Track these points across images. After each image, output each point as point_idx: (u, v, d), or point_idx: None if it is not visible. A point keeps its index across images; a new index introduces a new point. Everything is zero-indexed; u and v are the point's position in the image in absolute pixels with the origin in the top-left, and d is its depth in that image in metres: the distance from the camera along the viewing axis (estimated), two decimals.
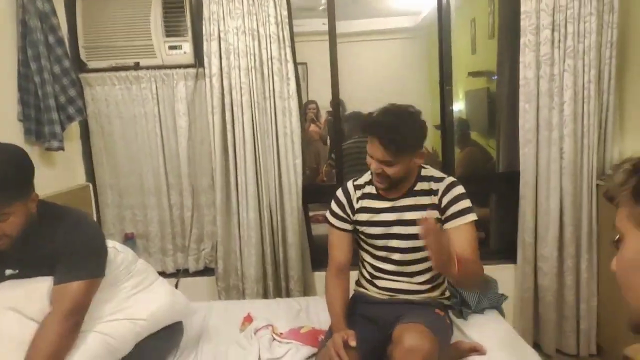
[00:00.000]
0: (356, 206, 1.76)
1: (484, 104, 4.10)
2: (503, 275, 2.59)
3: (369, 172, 1.76)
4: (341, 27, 2.77)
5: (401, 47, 5.08)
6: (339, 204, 1.79)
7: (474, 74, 4.31)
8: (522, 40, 2.32)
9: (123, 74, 2.51)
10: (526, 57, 2.33)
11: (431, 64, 4.34)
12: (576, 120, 2.35)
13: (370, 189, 1.76)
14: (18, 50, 2.08)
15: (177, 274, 2.72)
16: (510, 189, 2.57)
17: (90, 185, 2.63)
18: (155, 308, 1.71)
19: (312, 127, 4.51)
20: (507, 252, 2.67)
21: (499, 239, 2.89)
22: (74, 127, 2.51)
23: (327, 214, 1.83)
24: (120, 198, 2.68)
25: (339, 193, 1.81)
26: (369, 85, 4.54)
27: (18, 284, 1.48)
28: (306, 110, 4.48)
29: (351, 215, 1.77)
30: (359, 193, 1.77)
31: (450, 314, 1.95)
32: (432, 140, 4.30)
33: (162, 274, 2.63)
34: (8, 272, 1.49)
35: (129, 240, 2.65)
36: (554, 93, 2.34)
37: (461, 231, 1.62)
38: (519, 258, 2.56)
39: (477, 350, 1.72)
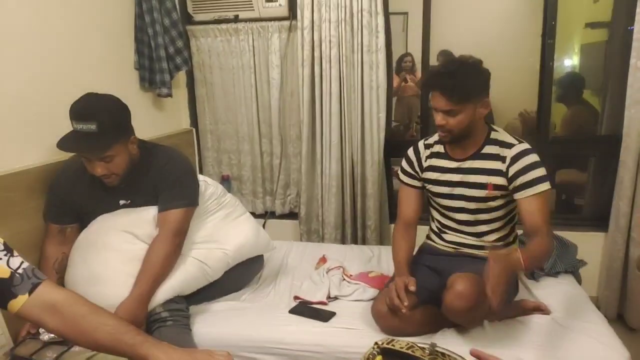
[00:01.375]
0: (425, 164, 1.80)
1: (601, 59, 3.72)
2: (592, 243, 2.48)
3: None
4: None
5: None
6: (409, 161, 1.85)
7: (592, 25, 3.90)
8: None
9: (224, 26, 2.69)
10: None
11: (539, 18, 3.98)
12: None
13: (439, 148, 1.79)
14: (135, 3, 2.33)
15: (265, 216, 2.98)
16: (612, 154, 2.39)
17: (194, 130, 2.93)
18: (241, 241, 1.95)
19: (407, 81, 4.43)
20: (600, 220, 2.53)
21: (593, 206, 2.73)
22: (181, 76, 2.78)
23: (398, 170, 1.90)
24: (218, 143, 2.95)
25: (410, 151, 1.86)
26: (473, 35, 4.30)
27: (130, 211, 1.78)
28: (401, 63, 4.40)
29: (419, 173, 1.82)
30: (427, 152, 1.81)
31: (522, 274, 1.95)
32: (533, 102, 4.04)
33: (252, 214, 2.82)
34: (122, 202, 1.79)
35: (224, 181, 2.94)
36: None
37: (531, 202, 1.59)
38: (611, 226, 2.41)
39: (541, 309, 1.73)
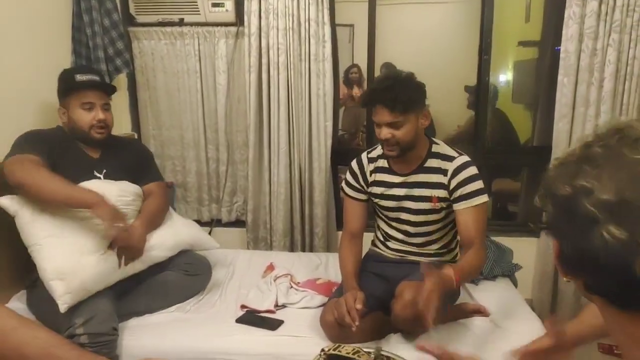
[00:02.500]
0: (370, 179, 1.83)
1: (532, 75, 3.97)
2: (526, 248, 2.62)
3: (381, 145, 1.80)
4: None
5: (450, 12, 4.92)
6: (354, 175, 1.86)
7: (524, 44, 4.16)
8: (566, 12, 2.25)
9: (168, 29, 2.62)
10: (569, 30, 2.26)
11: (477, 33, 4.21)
12: (615, 98, 2.28)
13: (382, 163, 1.81)
14: (72, 2, 2.22)
15: (211, 224, 2.91)
16: (542, 164, 2.54)
17: (135, 135, 2.82)
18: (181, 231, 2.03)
19: (354, 92, 4.52)
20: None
21: (527, 212, 2.89)
22: (122, 79, 2.68)
23: (343, 184, 1.92)
24: (162, 148, 2.85)
25: (354, 164, 1.87)
26: (416, 50, 4.46)
27: (115, 183, 1.87)
28: (348, 74, 4.48)
29: (365, 187, 1.84)
30: (372, 166, 1.83)
31: None
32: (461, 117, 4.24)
33: (198, 222, 2.80)
34: (96, 173, 1.87)
35: (169, 188, 2.84)
36: (595, 68, 2.27)
37: (467, 213, 1.65)
38: (543, 232, 2.56)
39: (480, 312, 1.79)
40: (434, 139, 1.79)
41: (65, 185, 1.65)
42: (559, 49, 2.35)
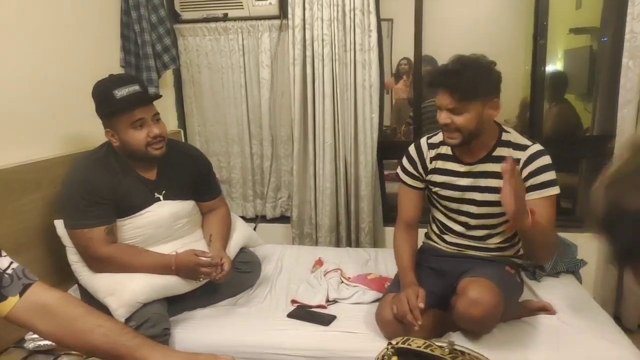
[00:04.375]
0: (429, 166, 1.73)
1: (585, 64, 3.76)
2: (587, 243, 2.45)
3: None
4: None
5: (499, 1, 4.74)
6: (411, 160, 1.76)
7: (576, 31, 3.95)
8: None
9: (213, 25, 2.62)
10: (635, 8, 2.10)
11: (528, 20, 4.04)
12: None
13: (446, 150, 1.70)
14: None
15: (256, 220, 2.89)
16: (604, 154, 2.39)
17: (182, 131, 2.84)
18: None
19: (400, 85, 4.43)
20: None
21: (584, 211, 2.72)
22: (168, 76, 2.70)
23: (398, 170, 1.82)
24: (207, 144, 2.86)
25: (412, 150, 1.77)
26: (460, 42, 4.32)
27: (175, 204, 1.84)
28: (398, 67, 4.40)
29: (423, 175, 1.75)
30: (432, 152, 1.73)
31: (524, 275, 1.91)
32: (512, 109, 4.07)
33: (242, 218, 2.80)
34: (156, 195, 1.81)
35: (219, 184, 2.85)
36: None
37: (540, 204, 1.53)
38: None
39: (546, 309, 1.70)
40: (504, 126, 1.66)
41: (144, 260, 1.67)
42: (605, 40, 2.19)
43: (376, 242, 2.66)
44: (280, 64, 2.63)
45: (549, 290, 1.86)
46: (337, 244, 2.67)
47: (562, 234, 2.17)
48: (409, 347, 0.86)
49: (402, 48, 4.40)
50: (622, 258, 0.56)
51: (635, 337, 2.31)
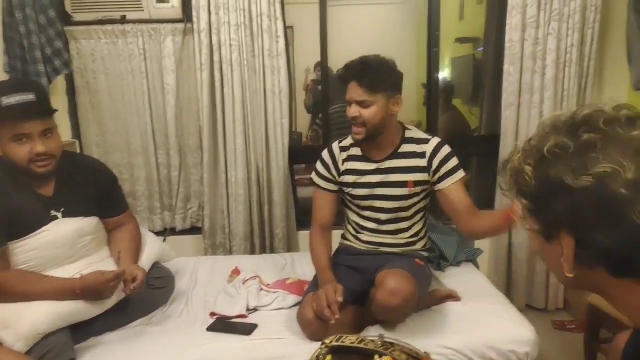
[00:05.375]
0: (342, 168, 1.80)
1: (469, 71, 4.14)
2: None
3: None
4: None
5: (391, 12, 5.04)
6: (325, 165, 1.83)
7: (461, 40, 4.33)
8: (509, 2, 2.34)
9: (109, 27, 2.46)
10: (513, 19, 2.36)
11: (420, 31, 4.35)
12: (557, 85, 2.40)
13: (355, 151, 1.79)
14: None
15: (165, 233, 2.76)
16: (491, 153, 2.65)
17: (77, 142, 2.62)
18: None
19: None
20: None
21: (479, 202, 2.98)
22: (60, 82, 2.47)
23: (313, 175, 1.87)
24: (106, 156, 2.66)
25: (325, 154, 1.84)
26: (357, 51, 4.51)
27: (74, 222, 1.70)
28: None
29: (337, 177, 1.81)
30: (344, 155, 1.81)
31: (430, 266, 2.05)
32: (418, 113, 4.36)
33: (151, 232, 2.67)
34: (53, 213, 1.65)
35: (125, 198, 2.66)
36: (537, 56, 2.38)
37: (457, 188, 1.69)
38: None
39: (452, 297, 1.83)
40: (406, 125, 1.80)
41: (44, 286, 1.52)
42: (482, 49, 2.45)
43: (290, 247, 2.67)
44: (186, 69, 2.54)
45: (453, 279, 2.01)
46: (252, 251, 2.64)
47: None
48: (342, 344, 0.88)
49: (303, 56, 4.52)
50: (554, 226, 0.63)
51: (525, 315, 2.59)
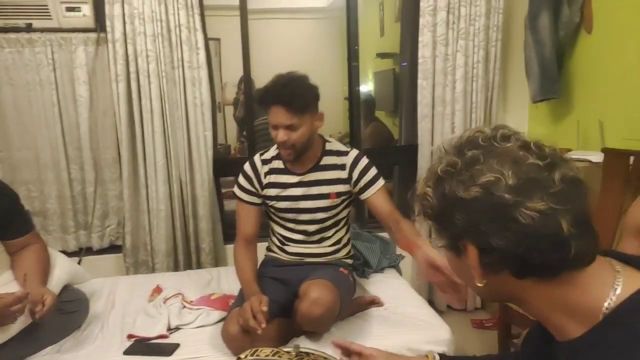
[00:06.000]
0: (264, 181, 1.80)
1: (390, 84, 4.32)
2: None
3: (275, 147, 1.79)
4: (254, 3, 2.75)
5: (314, 27, 5.15)
6: (247, 177, 1.81)
7: (382, 55, 4.51)
8: (421, 21, 2.49)
9: (13, 35, 2.30)
10: (424, 37, 2.50)
11: (343, 44, 4.49)
12: (466, 97, 2.58)
13: (277, 164, 1.80)
14: None
15: (80, 253, 2.60)
16: (411, 161, 2.77)
17: None
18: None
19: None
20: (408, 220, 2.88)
21: (401, 209, 3.10)
22: None
23: (235, 188, 1.85)
24: (12, 173, 2.48)
25: (247, 167, 1.82)
26: (281, 64, 4.54)
27: None
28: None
29: (260, 190, 1.81)
30: (266, 168, 1.80)
31: (354, 274, 2.10)
32: (343, 125, 4.47)
33: (64, 252, 2.49)
34: None
35: (30, 217, 2.47)
36: (448, 71, 2.54)
37: (378, 197, 1.75)
38: (417, 224, 2.77)
39: (375, 302, 1.88)
40: (325, 137, 1.84)
41: None
42: (405, 64, 2.59)
43: (218, 261, 2.62)
44: (100, 80, 2.43)
45: (376, 285, 2.08)
46: (176, 268, 2.55)
47: (382, 233, 2.44)
48: (257, 357, 0.88)
49: (231, 67, 4.49)
50: (457, 238, 0.68)
51: (445, 316, 2.72)
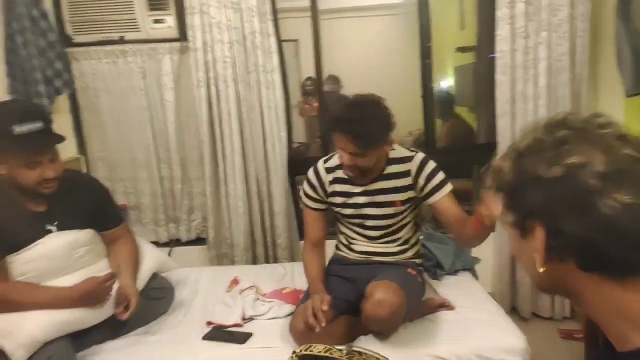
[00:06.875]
0: (329, 189, 1.82)
1: (471, 79, 4.15)
2: (483, 243, 2.69)
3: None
4: (329, 3, 2.79)
5: (390, 23, 5.09)
6: (312, 186, 1.84)
7: (462, 49, 4.35)
8: (498, 14, 2.37)
9: (109, 48, 2.55)
10: (502, 30, 2.38)
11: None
12: (550, 92, 2.41)
13: (341, 173, 1.79)
14: (4, 23, 2.13)
15: (170, 244, 2.82)
16: (490, 160, 2.64)
17: (82, 158, 2.70)
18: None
19: (306, 104, 4.57)
20: None
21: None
22: (63, 101, 2.57)
23: (301, 194, 1.90)
24: (111, 171, 2.76)
25: (311, 175, 1.84)
26: (362, 61, 4.56)
27: (66, 234, 1.75)
28: (304, 87, 4.53)
29: (324, 197, 1.83)
30: (330, 177, 1.81)
31: (426, 275, 2.06)
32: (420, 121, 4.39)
33: (156, 243, 2.73)
34: (48, 227, 1.71)
35: (121, 211, 2.73)
36: (529, 65, 2.40)
37: (448, 201, 1.70)
38: (498, 225, 2.65)
39: (445, 305, 1.84)
40: None
41: (41, 296, 1.58)
42: (493, 56, 2.48)
43: (293, 256, 2.71)
44: (185, 85, 2.61)
45: (448, 287, 2.02)
46: (254, 261, 2.68)
47: None
48: (310, 352, 0.91)
49: (310, 67, 4.57)
50: (527, 217, 0.65)
51: (530, 324, 2.57)
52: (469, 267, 2.23)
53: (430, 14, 2.64)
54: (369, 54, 4.76)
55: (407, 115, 4.26)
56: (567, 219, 0.60)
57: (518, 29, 2.35)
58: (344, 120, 1.59)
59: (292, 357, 0.92)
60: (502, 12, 2.36)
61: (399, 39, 4.89)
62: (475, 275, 2.23)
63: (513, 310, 2.68)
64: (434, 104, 2.89)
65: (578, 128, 0.62)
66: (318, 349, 0.92)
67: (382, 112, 1.63)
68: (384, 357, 0.91)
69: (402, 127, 4.30)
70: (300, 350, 0.92)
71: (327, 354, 0.89)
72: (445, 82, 4.74)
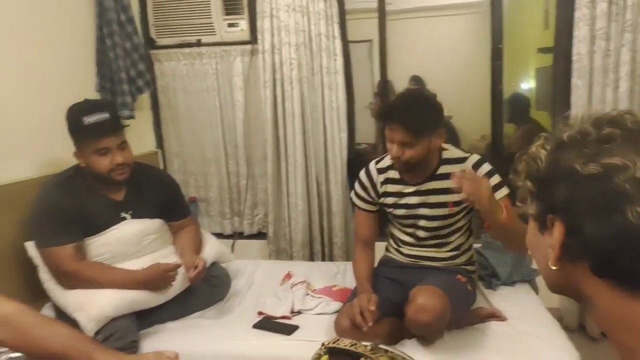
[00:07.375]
0: (380, 190, 1.83)
1: (551, 82, 3.91)
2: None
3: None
4: (402, 3, 2.77)
5: (464, 23, 4.93)
6: (363, 187, 1.86)
7: (544, 50, 4.12)
8: (576, 14, 2.24)
9: (187, 50, 2.75)
10: (580, 32, 2.25)
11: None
12: (632, 98, 2.24)
13: (393, 174, 1.81)
14: (96, 28, 2.37)
15: (234, 236, 2.98)
16: None
17: (160, 152, 2.94)
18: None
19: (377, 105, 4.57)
20: None
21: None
22: (145, 99, 2.81)
23: (352, 195, 1.92)
24: (184, 165, 2.96)
25: (363, 176, 1.87)
26: (427, 64, 4.48)
27: (140, 222, 1.93)
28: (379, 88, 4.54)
29: (376, 198, 1.85)
30: (382, 177, 1.83)
31: (480, 284, 2.01)
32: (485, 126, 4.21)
33: (220, 235, 2.90)
34: (122, 214, 1.90)
35: (192, 203, 2.94)
36: (609, 69, 2.24)
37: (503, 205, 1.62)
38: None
39: (496, 316, 1.78)
40: (443, 145, 1.77)
41: (112, 276, 1.75)
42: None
43: (349, 255, 2.74)
44: (253, 86, 2.74)
45: (502, 298, 1.95)
46: (311, 258, 2.75)
47: None
48: (337, 345, 0.95)
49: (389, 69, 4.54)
50: (549, 210, 0.63)
51: (599, 344, 2.40)
52: (529, 278, 2.13)
53: (503, 14, 2.55)
54: (439, 56, 4.65)
55: (476, 120, 4.13)
56: (590, 219, 0.58)
57: (598, 30, 2.21)
58: (393, 108, 1.65)
59: (320, 349, 0.97)
60: (581, 13, 2.22)
61: (473, 39, 4.72)
62: (535, 288, 2.12)
63: (581, 329, 2.52)
64: (506, 108, 2.78)
65: (628, 129, 0.59)
66: (344, 342, 0.95)
67: (431, 103, 1.65)
68: (410, 357, 0.92)
69: (474, 131, 4.17)
70: (329, 343, 0.97)
71: (352, 348, 0.93)
72: (526, 85, 4.51)
